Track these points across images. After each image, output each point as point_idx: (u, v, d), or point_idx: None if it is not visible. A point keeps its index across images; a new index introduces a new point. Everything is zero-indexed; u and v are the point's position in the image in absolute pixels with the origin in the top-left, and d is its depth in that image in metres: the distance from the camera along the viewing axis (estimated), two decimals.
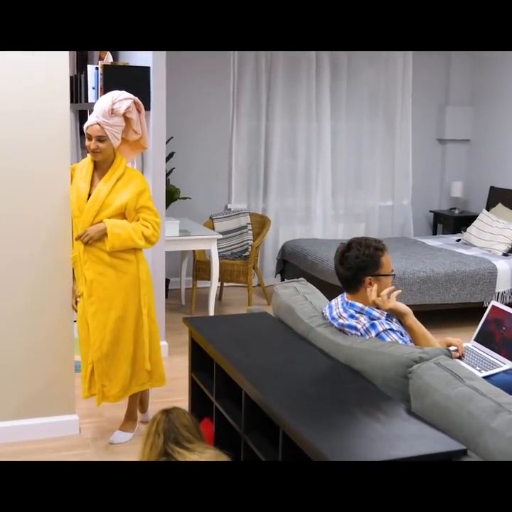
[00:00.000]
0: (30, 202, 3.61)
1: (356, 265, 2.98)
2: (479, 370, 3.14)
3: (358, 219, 7.47)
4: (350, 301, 3.04)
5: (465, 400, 2.26)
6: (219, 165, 7.00)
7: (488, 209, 6.95)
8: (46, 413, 3.80)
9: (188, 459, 2.62)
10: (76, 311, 3.72)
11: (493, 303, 3.41)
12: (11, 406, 3.73)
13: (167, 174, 6.41)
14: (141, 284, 3.65)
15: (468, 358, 3.28)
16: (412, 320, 2.95)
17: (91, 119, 3.55)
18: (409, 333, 2.94)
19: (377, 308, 2.99)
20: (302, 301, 3.38)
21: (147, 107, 4.88)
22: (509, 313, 3.30)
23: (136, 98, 3.69)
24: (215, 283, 5.67)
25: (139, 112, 3.70)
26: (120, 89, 3.82)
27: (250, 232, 6.44)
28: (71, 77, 6.29)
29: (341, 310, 3.05)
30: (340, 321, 3.02)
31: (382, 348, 2.70)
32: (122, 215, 3.58)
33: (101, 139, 3.54)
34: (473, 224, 6.70)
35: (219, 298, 6.57)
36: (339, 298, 3.15)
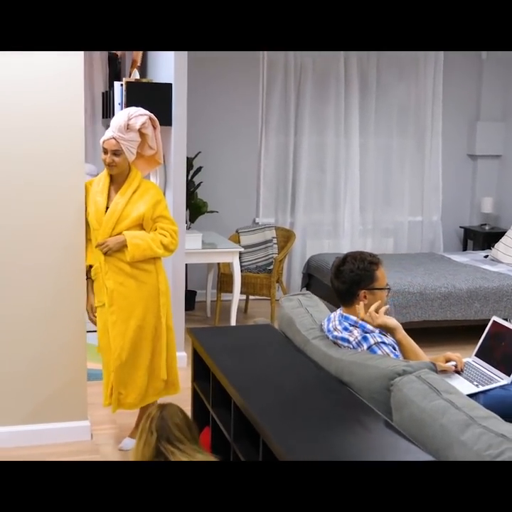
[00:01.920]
0: (45, 213, 3.74)
1: (351, 279, 3.02)
2: (476, 385, 3.14)
3: (386, 234, 7.47)
4: (345, 314, 3.09)
5: (439, 412, 2.28)
6: (247, 179, 7.09)
7: None
8: (59, 419, 3.91)
9: (178, 460, 2.71)
10: (95, 323, 3.82)
11: (494, 318, 3.41)
12: (25, 410, 3.86)
13: (195, 188, 6.53)
14: (160, 294, 3.74)
15: (467, 373, 3.28)
16: (402, 335, 2.97)
17: (107, 133, 3.67)
18: (399, 347, 2.96)
19: None
20: (303, 313, 3.43)
21: (169, 123, 5.00)
22: (509, 328, 3.29)
23: (152, 114, 3.79)
24: (236, 295, 5.75)
25: (154, 128, 3.80)
26: (142, 105, 3.95)
27: (275, 245, 6.51)
28: (103, 93, 6.49)
29: (337, 322, 3.10)
30: (335, 333, 3.07)
31: (369, 360, 2.73)
32: (140, 226, 3.69)
33: (116, 153, 3.65)
34: (501, 240, 6.64)
35: (244, 310, 6.65)
36: (338, 310, 3.19)
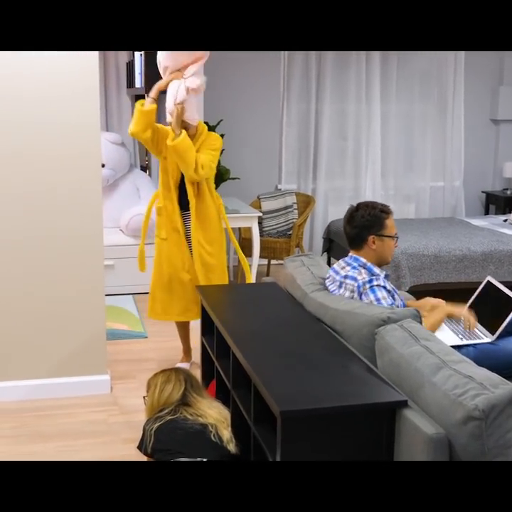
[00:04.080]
0: (62, 179, 3.95)
1: (362, 224, 3.23)
2: (461, 338, 3.28)
3: (408, 199, 7.56)
4: (354, 255, 3.28)
5: (415, 357, 2.45)
6: (269, 146, 7.23)
7: None
8: (80, 373, 4.16)
9: (201, 405, 3.05)
10: None
11: (489, 278, 3.51)
12: (49, 365, 4.11)
13: None
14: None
15: (455, 326, 3.41)
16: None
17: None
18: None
19: (379, 266, 3.24)
20: (305, 271, 3.60)
21: None
22: (499, 289, 3.40)
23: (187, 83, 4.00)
24: (255, 259, 5.93)
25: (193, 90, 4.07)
26: (159, 74, 4.10)
27: (296, 211, 6.66)
28: (127, 63, 6.66)
29: (344, 264, 3.29)
30: (343, 272, 3.26)
31: (359, 308, 2.90)
32: None
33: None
34: None
35: (266, 274, 6.83)
36: (343, 258, 3.38)
